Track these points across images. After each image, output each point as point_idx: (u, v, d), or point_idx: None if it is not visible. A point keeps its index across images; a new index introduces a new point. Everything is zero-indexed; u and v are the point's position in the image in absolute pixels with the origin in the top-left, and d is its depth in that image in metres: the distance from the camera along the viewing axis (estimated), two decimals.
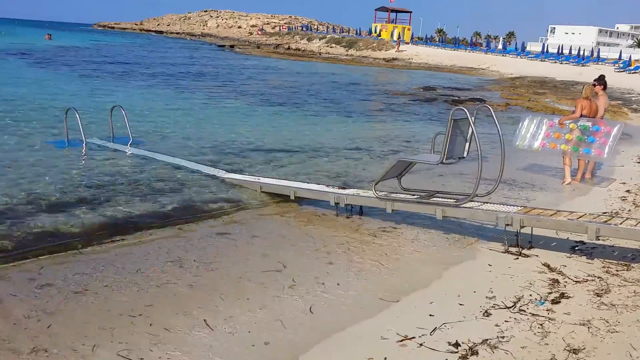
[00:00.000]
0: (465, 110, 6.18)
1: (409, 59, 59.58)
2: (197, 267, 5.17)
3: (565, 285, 4.78)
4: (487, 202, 6.26)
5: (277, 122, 14.96)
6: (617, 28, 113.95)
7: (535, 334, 3.88)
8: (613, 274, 5.01)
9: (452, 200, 6.38)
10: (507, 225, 5.60)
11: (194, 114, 15.28)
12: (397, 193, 6.91)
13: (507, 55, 64.61)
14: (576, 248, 5.85)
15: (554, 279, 4.95)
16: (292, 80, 30.51)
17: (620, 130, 8.48)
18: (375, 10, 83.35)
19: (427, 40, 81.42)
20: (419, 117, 18.05)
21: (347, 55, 65.71)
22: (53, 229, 6.01)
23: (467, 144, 6.45)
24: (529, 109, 21.58)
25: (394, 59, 59.75)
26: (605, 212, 7.05)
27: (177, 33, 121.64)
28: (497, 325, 4.03)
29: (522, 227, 5.56)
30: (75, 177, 8.10)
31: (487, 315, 4.20)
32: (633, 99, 27.74)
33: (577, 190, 8.87)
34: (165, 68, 32.63)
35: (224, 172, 8.70)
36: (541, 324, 4.01)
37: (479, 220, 6.41)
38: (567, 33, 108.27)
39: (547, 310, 4.27)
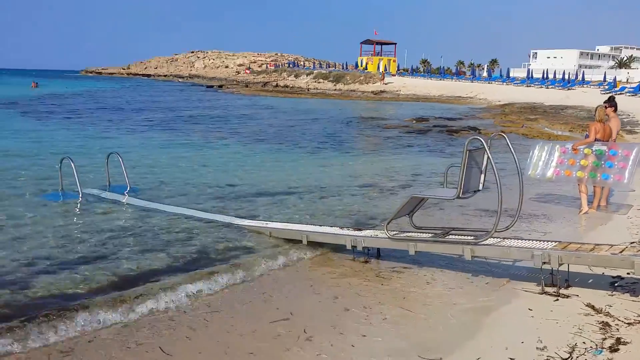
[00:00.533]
0: (483, 140, 5.89)
1: (396, 90, 60.04)
2: (205, 320, 4.75)
3: (618, 329, 4.40)
4: (507, 238, 5.93)
5: (277, 162, 14.65)
6: (598, 50, 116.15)
7: None
8: None
9: (470, 237, 6.04)
10: (544, 263, 5.25)
11: (192, 158, 14.95)
12: (410, 232, 6.59)
13: (493, 82, 65.32)
14: (616, 284, 5.49)
15: (603, 321, 4.57)
16: (286, 118, 30.45)
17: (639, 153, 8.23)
18: (361, 43, 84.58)
19: (413, 71, 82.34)
20: (418, 150, 17.85)
21: (335, 89, 66.15)
22: (58, 290, 5.56)
23: (483, 176, 6.20)
24: (524, 136, 21.49)
25: (382, 91, 60.17)
26: (633, 242, 6.75)
27: (165, 75, 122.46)
28: None
29: (560, 264, 5.21)
30: (75, 233, 7.65)
31: None
32: (625, 120, 27.77)
33: (595, 219, 8.58)
34: (158, 112, 32.47)
35: (230, 217, 8.33)
36: None
37: (505, 259, 6.07)
38: (549, 57, 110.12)
39: None
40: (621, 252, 5.02)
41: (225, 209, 9.15)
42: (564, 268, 5.44)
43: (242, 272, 6.10)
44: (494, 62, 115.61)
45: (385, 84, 64.83)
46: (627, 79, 59.92)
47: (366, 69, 77.01)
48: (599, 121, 8.73)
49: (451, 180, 6.91)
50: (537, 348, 4.18)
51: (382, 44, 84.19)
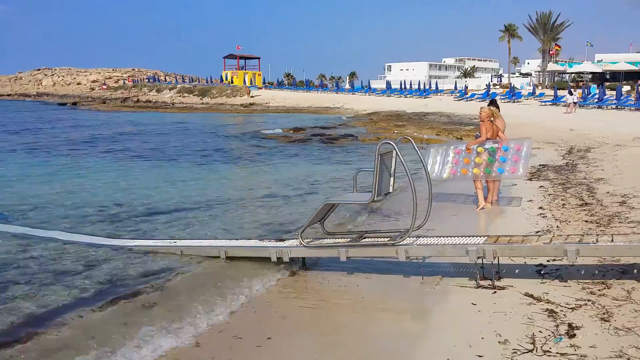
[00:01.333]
0: (393, 144, 5.90)
1: (266, 103, 60.19)
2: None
3: (565, 315, 4.51)
4: (422, 236, 5.94)
5: (167, 179, 13.65)
6: (444, 62, 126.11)
7: None
8: (599, 295, 4.87)
9: (386, 239, 6.01)
10: (479, 257, 5.29)
11: (61, 179, 13.44)
12: (322, 239, 6.39)
13: (356, 93, 68.17)
14: (542, 272, 5.71)
15: (548, 309, 4.67)
16: (156, 132, 29.01)
17: (530, 146, 8.80)
18: (224, 57, 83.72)
19: (280, 84, 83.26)
20: (304, 158, 17.82)
21: (202, 103, 64.72)
22: None
23: (392, 179, 6.21)
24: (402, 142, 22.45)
25: (251, 104, 59.99)
26: (539, 232, 7.14)
27: (9, 95, 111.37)
28: None
29: (495, 258, 5.29)
30: None
31: None
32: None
33: (494, 213, 9.01)
34: (7, 133, 29.09)
35: (130, 240, 7.52)
36: None
37: (425, 256, 6.06)
38: (402, 69, 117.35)
39: (572, 346, 3.94)
40: (551, 241, 5.21)
41: (119, 232, 8.28)
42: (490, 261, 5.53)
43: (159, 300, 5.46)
44: (353, 74, 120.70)
45: (252, 96, 64.78)
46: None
47: (232, 82, 76.35)
48: (489, 120, 9.20)
49: (361, 183, 6.87)
50: (499, 342, 4.13)
51: (245, 58, 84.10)
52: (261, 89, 74.20)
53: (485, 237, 5.59)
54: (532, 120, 26.31)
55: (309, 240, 6.24)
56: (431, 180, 9.48)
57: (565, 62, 69.45)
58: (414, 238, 5.87)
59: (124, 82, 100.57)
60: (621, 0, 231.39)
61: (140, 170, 15.15)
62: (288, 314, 5.13)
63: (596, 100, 38.88)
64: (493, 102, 10.01)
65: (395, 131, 27.47)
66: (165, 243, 7.13)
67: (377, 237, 6.24)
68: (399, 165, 6.03)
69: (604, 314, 4.44)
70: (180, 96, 70.91)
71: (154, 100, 69.92)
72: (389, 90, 65.06)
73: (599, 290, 4.99)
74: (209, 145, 22.04)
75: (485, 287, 5.36)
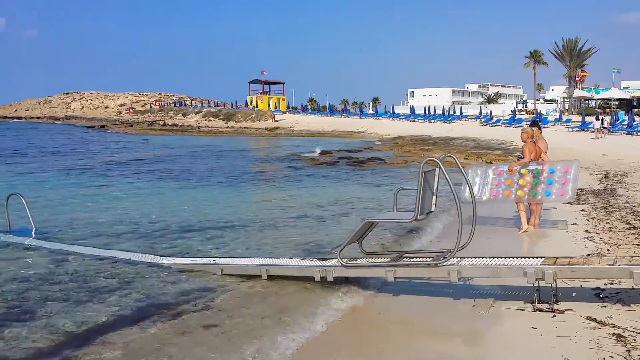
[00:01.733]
0: (438, 161, 5.76)
1: (290, 127, 60.50)
2: None
3: (636, 340, 4.27)
4: (468, 257, 5.70)
5: (200, 198, 13.69)
6: (467, 87, 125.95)
7: None
8: None
9: (428, 259, 5.84)
10: (538, 279, 5.07)
11: (98, 198, 13.55)
12: (360, 258, 6.23)
13: (380, 118, 68.16)
14: (600, 295, 5.45)
15: (615, 334, 4.43)
16: (185, 153, 29.24)
17: (579, 168, 8.56)
18: (249, 82, 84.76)
19: (304, 109, 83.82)
20: (334, 180, 17.69)
21: (227, 127, 65.36)
22: None
23: (435, 197, 6.06)
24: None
25: (276, 127, 60.37)
26: (589, 255, 6.87)
27: (38, 117, 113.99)
28: None
29: (555, 279, 5.07)
30: None
31: None
32: (511, 148, 29.88)
33: (538, 236, 8.73)
34: (46, 154, 29.39)
35: (167, 257, 7.43)
36: None
37: (473, 277, 5.84)
38: (424, 95, 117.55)
39: None
40: (614, 262, 4.97)
41: (154, 249, 8.22)
42: (549, 284, 5.31)
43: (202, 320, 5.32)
44: (375, 100, 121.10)
45: (277, 120, 65.27)
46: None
47: (257, 107, 77.13)
48: (531, 142, 8.99)
49: (399, 203, 6.71)
50: None
51: (270, 83, 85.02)
52: (285, 113, 74.73)
53: (543, 258, 5.36)
54: (562, 145, 25.89)
55: (346, 259, 6.08)
56: (469, 202, 9.46)
57: (592, 88, 68.71)
58: (460, 258, 5.69)
59: (151, 106, 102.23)
60: None
61: (176, 189, 15.25)
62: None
63: (625, 126, 38.23)
64: (535, 124, 9.81)
65: (422, 154, 27.33)
66: (205, 261, 7.03)
67: (419, 257, 6.07)
68: (442, 184, 5.90)
69: None
70: (206, 120, 71.76)
71: (180, 124, 70.88)
72: (412, 115, 64.96)
73: None
74: (239, 167, 22.11)
75: (542, 311, 5.13)
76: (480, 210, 10.56)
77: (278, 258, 6.90)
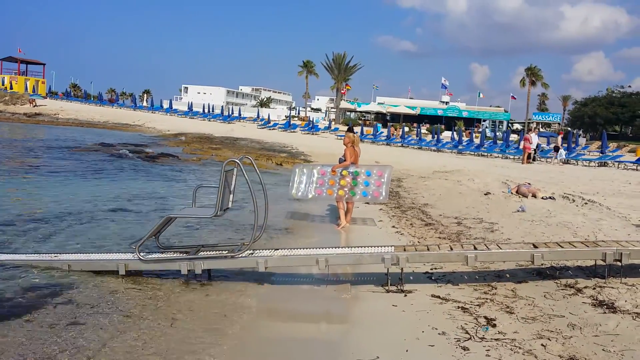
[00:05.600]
0: (238, 162, 6.28)
1: (54, 114, 55.05)
2: None
3: (476, 311, 5.36)
4: (257, 250, 6.33)
5: None
6: (241, 89, 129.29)
7: (524, 354, 4.30)
8: (492, 294, 5.86)
9: (225, 252, 6.35)
10: (394, 264, 5.94)
11: None
12: (159, 252, 6.50)
13: (156, 112, 66.16)
14: (432, 278, 6.58)
15: (459, 307, 5.49)
16: None
17: (391, 173, 9.88)
18: (1, 60, 74.32)
19: (68, 95, 76.61)
20: (127, 173, 16.91)
21: None
22: None
23: (232, 195, 6.62)
24: (222, 162, 22.60)
25: (37, 114, 54.17)
26: (408, 245, 8.12)
27: None
28: (488, 357, 4.29)
29: (407, 264, 5.99)
30: None
31: (467, 350, 4.42)
32: (294, 151, 31.92)
33: (357, 231, 9.84)
34: None
35: None
36: (517, 347, 4.45)
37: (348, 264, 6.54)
38: (199, 92, 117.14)
39: (499, 333, 4.75)
40: (451, 249, 6.10)
41: None
42: (398, 269, 6.24)
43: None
44: (147, 92, 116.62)
45: (36, 106, 58.66)
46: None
47: (11, 88, 68.10)
48: (351, 146, 10.10)
49: (197, 200, 7.06)
50: (439, 334, 4.78)
51: (28, 62, 75.86)
52: (46, 98, 67.54)
53: (393, 247, 6.28)
54: (338, 151, 28.71)
55: (144, 253, 6.28)
56: (296, 198, 10.22)
57: (354, 101, 76.76)
58: (272, 250, 6.36)
59: None
60: (395, 51, 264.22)
61: None
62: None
63: (385, 137, 43.84)
64: (351, 129, 10.98)
65: (213, 153, 27.56)
66: (47, 257, 6.42)
67: (216, 251, 6.48)
68: (249, 183, 6.33)
69: (506, 308, 5.40)
70: None
71: None
72: (191, 112, 64.55)
73: (488, 291, 6.00)
74: (8, 157, 19.56)
75: (394, 292, 6.02)
76: (301, 207, 11.55)
77: (81, 253, 6.68)
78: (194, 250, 6.47)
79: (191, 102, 73.04)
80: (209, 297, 5.83)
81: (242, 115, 63.50)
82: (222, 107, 68.81)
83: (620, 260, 5.80)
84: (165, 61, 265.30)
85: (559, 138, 31.23)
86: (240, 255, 6.13)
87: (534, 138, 28.98)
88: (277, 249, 6.48)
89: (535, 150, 28.77)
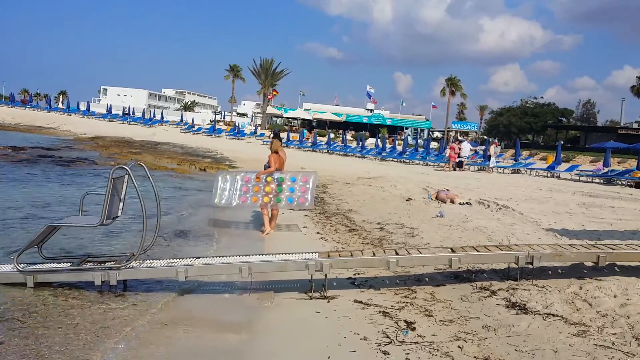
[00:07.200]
0: (128, 169, 6.10)
1: None
2: None
3: (397, 314, 5.44)
4: (155, 259, 6.30)
5: None
6: (164, 92, 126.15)
7: (441, 356, 4.39)
8: (412, 298, 5.98)
9: (111, 262, 6.13)
10: (317, 270, 5.93)
11: None
12: (43, 263, 6.25)
13: (72, 114, 63.28)
14: (355, 283, 6.63)
15: (380, 311, 5.55)
16: None
17: (316, 179, 9.89)
18: None
19: None
20: (38, 179, 16.00)
21: None
22: None
23: (122, 204, 6.42)
24: (140, 167, 21.84)
25: None
26: (332, 251, 8.16)
27: None
28: None
29: (331, 270, 6.00)
30: None
31: (388, 354, 4.47)
32: (218, 156, 31.42)
33: (281, 237, 9.76)
34: None
35: None
36: (435, 349, 4.55)
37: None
38: (119, 94, 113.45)
39: (419, 336, 4.84)
40: (374, 254, 6.17)
41: None
42: (321, 275, 6.24)
43: None
44: (63, 93, 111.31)
45: None
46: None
47: None
48: (275, 152, 10.04)
49: (86, 208, 6.84)
50: (360, 339, 4.80)
51: None
52: None
53: (317, 253, 6.27)
54: (264, 157, 28.56)
55: (24, 265, 6.00)
56: (220, 206, 10.04)
57: (280, 107, 76.78)
58: (193, 258, 6.24)
59: None
60: (322, 58, 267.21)
61: None
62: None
63: (310, 143, 44.09)
64: (277, 135, 10.91)
65: (132, 158, 26.61)
66: None
67: (103, 261, 6.27)
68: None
69: (425, 311, 5.52)
70: None
71: None
72: (110, 114, 62.17)
73: (409, 294, 6.11)
74: None
75: (317, 298, 6.01)
76: (225, 214, 11.36)
77: (41, 264, 6.26)
78: (77, 260, 6.25)
79: (110, 105, 70.31)
80: (113, 308, 5.57)
81: (164, 119, 61.90)
82: (144, 110, 66.48)
83: (531, 263, 6.09)
84: (83, 61, 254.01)
85: (492, 147, 32.50)
86: (157, 265, 5.98)
87: (466, 146, 30.09)
88: (199, 257, 6.32)
89: (467, 158, 29.66)
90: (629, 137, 54.22)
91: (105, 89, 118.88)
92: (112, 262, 6.10)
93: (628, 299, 5.50)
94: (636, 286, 5.88)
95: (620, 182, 25.63)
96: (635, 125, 76.69)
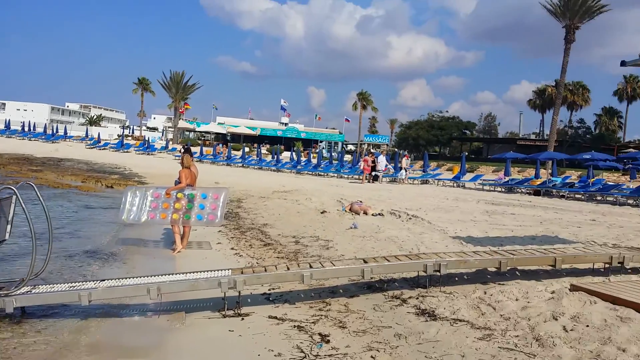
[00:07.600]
0: (15, 189, 5.76)
1: None
2: None
3: (311, 328, 5.43)
4: (57, 283, 6.04)
5: None
6: (68, 106, 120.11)
7: None
8: (327, 310, 6.00)
9: None
10: (231, 288, 5.81)
11: None
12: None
13: None
14: (270, 299, 6.56)
15: (295, 325, 5.52)
16: None
17: (227, 196, 9.72)
18: None
19: None
20: None
21: None
22: None
23: (9, 226, 6.09)
24: (41, 185, 20.63)
25: None
26: (246, 267, 8.05)
27: None
28: None
29: (245, 286, 5.89)
30: None
31: None
32: (126, 172, 30.25)
33: (192, 255, 9.49)
34: None
35: None
36: None
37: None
38: (19, 109, 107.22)
39: (333, 348, 4.85)
40: (288, 269, 6.14)
41: None
42: (235, 292, 6.12)
43: None
44: None
45: None
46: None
47: None
48: (187, 167, 9.81)
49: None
50: (275, 356, 4.74)
51: None
52: None
53: (230, 270, 6.15)
54: (175, 172, 27.82)
55: None
56: (127, 223, 9.66)
57: (193, 120, 75.31)
58: (98, 281, 6.00)
59: None
60: (235, 71, 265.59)
61: None
62: None
63: (225, 157, 43.55)
64: (188, 150, 10.65)
65: (33, 176, 25.05)
66: None
67: None
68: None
69: (339, 323, 5.55)
70: None
71: None
72: (8, 130, 58.28)
73: (323, 307, 6.13)
74: None
75: (231, 316, 5.89)
76: (136, 232, 10.92)
77: None
78: None
79: (9, 120, 65.87)
80: (12, 337, 5.18)
81: (68, 134, 58.90)
82: (45, 125, 62.87)
83: (439, 271, 6.32)
84: None
85: (404, 160, 33.51)
86: (58, 289, 5.62)
87: (382, 160, 30.84)
88: (104, 280, 6.01)
89: (381, 171, 30.41)
90: (527, 147, 58.20)
91: (4, 104, 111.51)
92: (0, 289, 5.62)
93: (528, 302, 5.84)
94: (536, 289, 6.26)
95: (520, 190, 27.34)
96: (533, 137, 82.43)
